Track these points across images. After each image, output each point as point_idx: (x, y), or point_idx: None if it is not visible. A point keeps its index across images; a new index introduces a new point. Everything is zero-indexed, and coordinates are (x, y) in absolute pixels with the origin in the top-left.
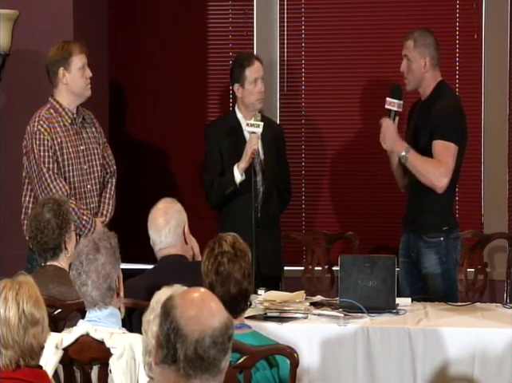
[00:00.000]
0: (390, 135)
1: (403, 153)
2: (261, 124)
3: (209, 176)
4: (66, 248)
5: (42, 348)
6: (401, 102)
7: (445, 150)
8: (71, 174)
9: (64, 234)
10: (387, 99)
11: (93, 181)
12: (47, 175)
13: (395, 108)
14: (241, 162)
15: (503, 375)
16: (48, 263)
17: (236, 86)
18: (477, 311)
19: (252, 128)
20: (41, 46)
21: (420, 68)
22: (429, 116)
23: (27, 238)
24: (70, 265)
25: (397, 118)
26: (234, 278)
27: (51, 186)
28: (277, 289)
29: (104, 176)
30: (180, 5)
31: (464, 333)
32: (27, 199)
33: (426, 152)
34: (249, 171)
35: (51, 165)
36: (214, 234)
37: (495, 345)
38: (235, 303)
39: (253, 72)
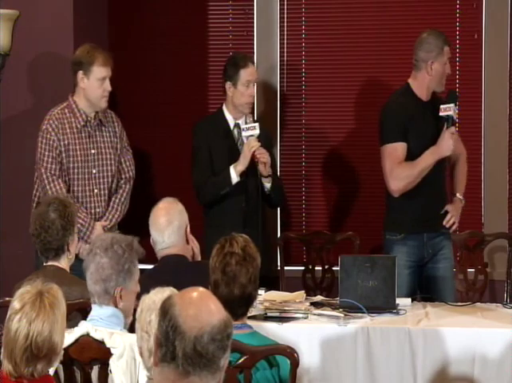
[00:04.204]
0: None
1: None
2: (257, 124)
3: (200, 174)
4: (69, 250)
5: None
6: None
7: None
8: (76, 177)
9: (67, 235)
10: (452, 106)
11: (102, 186)
12: (45, 176)
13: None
14: (239, 164)
15: (503, 375)
16: (49, 263)
17: (228, 84)
18: (477, 311)
19: (249, 132)
20: (41, 46)
21: None
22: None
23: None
24: (71, 266)
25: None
26: (239, 282)
27: (47, 187)
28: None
29: (119, 181)
30: (180, 5)
31: (464, 333)
32: (35, 199)
33: None
34: (244, 174)
35: (51, 165)
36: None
37: (495, 345)
38: (237, 306)
39: (247, 74)
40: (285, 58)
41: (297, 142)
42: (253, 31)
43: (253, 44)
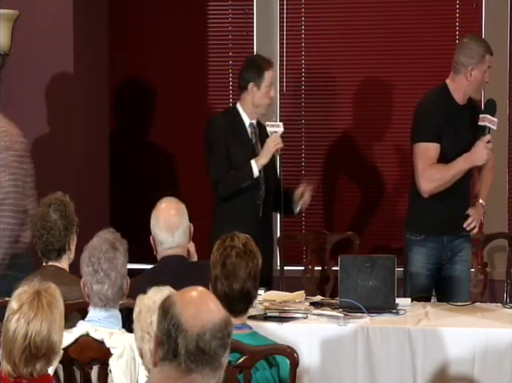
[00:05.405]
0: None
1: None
2: (281, 123)
3: (219, 166)
4: (70, 249)
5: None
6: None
7: None
8: None
9: (69, 235)
10: (488, 116)
11: None
12: None
13: (494, 127)
14: (261, 158)
15: (503, 375)
16: (49, 263)
17: (251, 85)
18: (477, 311)
19: (274, 128)
20: (41, 46)
21: None
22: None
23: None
24: (70, 265)
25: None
26: (239, 275)
27: None
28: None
29: None
30: (180, 5)
31: (464, 333)
32: None
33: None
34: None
35: None
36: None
37: (495, 345)
38: (236, 302)
39: (270, 76)
40: (285, 58)
41: (297, 142)
42: (253, 31)
43: (253, 44)
